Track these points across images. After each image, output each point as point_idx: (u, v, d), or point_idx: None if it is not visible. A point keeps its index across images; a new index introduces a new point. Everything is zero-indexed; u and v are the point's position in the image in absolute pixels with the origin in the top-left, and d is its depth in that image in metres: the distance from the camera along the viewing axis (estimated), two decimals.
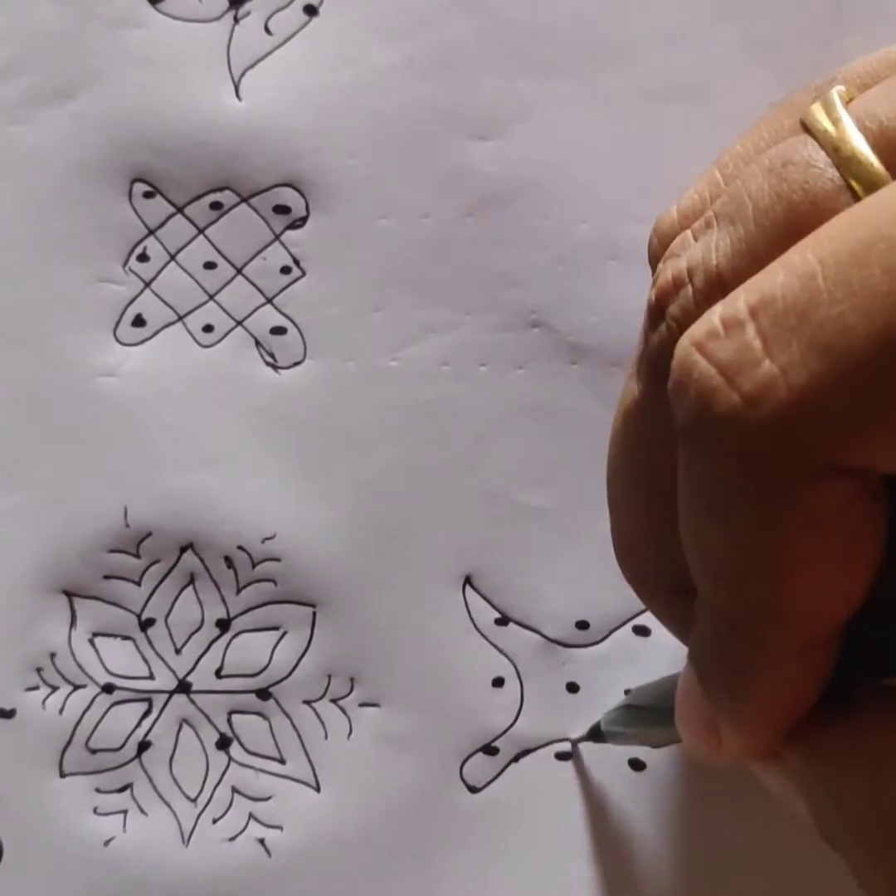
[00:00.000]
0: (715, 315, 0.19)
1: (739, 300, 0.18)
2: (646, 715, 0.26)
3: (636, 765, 0.30)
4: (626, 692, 0.29)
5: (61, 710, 0.30)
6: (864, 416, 0.17)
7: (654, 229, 0.23)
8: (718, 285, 0.20)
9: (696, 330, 0.19)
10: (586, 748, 0.30)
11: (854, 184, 0.19)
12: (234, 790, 0.30)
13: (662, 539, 0.22)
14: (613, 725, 0.28)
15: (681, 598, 0.23)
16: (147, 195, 0.31)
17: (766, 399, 0.18)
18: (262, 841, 0.30)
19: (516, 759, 0.30)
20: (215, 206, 0.31)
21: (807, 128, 0.20)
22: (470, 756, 0.30)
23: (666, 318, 0.21)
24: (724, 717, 0.21)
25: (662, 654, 0.30)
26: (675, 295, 0.21)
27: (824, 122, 0.20)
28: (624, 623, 0.30)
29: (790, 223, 0.19)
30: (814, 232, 0.18)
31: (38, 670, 0.30)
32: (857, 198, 0.19)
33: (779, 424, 0.18)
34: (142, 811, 0.30)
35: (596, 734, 0.29)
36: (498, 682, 0.30)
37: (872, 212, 0.18)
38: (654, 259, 0.23)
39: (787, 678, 0.20)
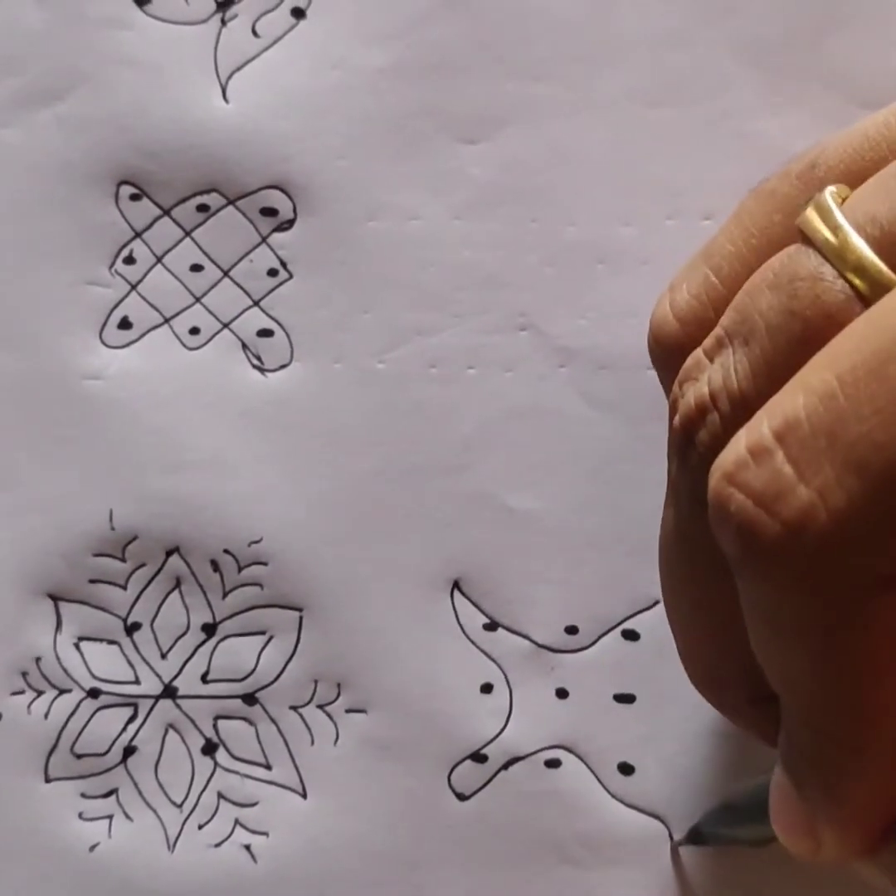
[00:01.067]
0: (740, 444, 0.19)
1: (763, 426, 0.18)
2: (744, 814, 0.26)
3: (626, 769, 0.30)
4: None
5: (47, 715, 0.30)
6: None
7: (653, 335, 0.23)
8: (743, 407, 0.20)
9: (725, 460, 0.19)
10: (573, 762, 0.30)
11: (863, 290, 0.19)
12: (220, 796, 0.30)
13: (732, 655, 0.22)
14: (713, 826, 0.28)
15: (762, 706, 0.23)
16: (134, 197, 0.31)
17: (808, 526, 0.18)
18: (247, 847, 0.30)
19: (506, 766, 0.30)
20: (202, 208, 0.31)
21: (805, 236, 0.20)
22: (458, 763, 0.30)
23: (696, 446, 0.21)
24: (822, 819, 0.21)
25: (652, 659, 0.30)
26: (702, 422, 0.21)
27: (824, 232, 0.20)
28: (613, 627, 0.30)
29: (806, 338, 0.19)
30: (826, 348, 0.18)
31: (24, 674, 0.30)
32: (866, 303, 0.19)
33: (825, 547, 0.18)
34: (127, 816, 0.30)
35: (696, 836, 0.29)
36: (486, 688, 0.30)
37: (884, 321, 0.18)
38: (660, 364, 0.23)
39: (883, 779, 0.20)
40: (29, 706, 0.30)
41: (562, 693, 0.30)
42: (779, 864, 0.28)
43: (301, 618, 0.30)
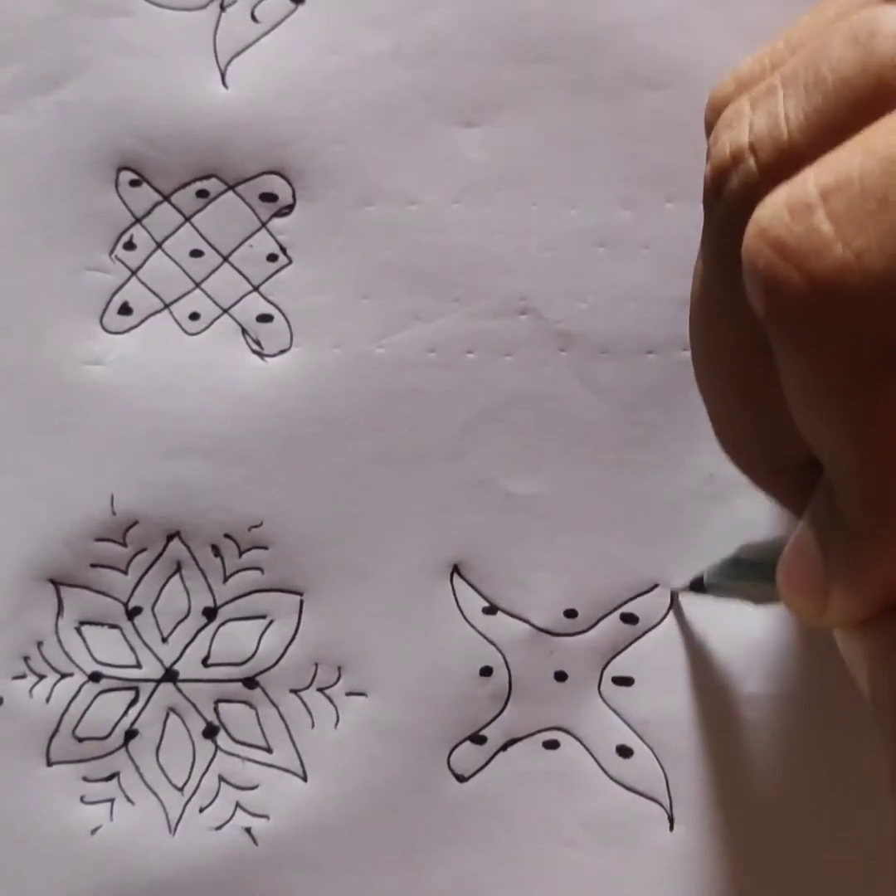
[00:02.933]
0: (780, 197, 0.18)
1: (809, 182, 0.17)
2: (752, 570, 0.26)
3: (624, 752, 0.30)
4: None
5: (48, 699, 0.30)
6: None
7: (709, 101, 0.22)
8: (792, 159, 0.19)
9: (761, 216, 0.18)
10: (572, 744, 0.30)
11: None
12: (221, 779, 0.30)
13: (760, 420, 0.21)
14: (718, 578, 0.28)
15: (789, 476, 0.22)
16: (133, 183, 0.31)
17: (840, 286, 0.17)
18: (248, 830, 0.30)
19: (504, 747, 0.30)
20: (202, 193, 0.31)
21: None
22: (457, 745, 0.30)
23: (724, 197, 0.20)
24: (840, 585, 0.20)
25: (650, 643, 0.30)
26: (735, 170, 0.19)
27: None
28: (611, 611, 0.30)
29: (877, 98, 0.18)
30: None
31: (25, 659, 0.30)
32: None
33: (855, 310, 0.17)
34: (129, 800, 0.30)
35: (698, 585, 0.28)
36: (486, 671, 0.30)
37: None
38: (710, 129, 0.22)
39: None
40: (31, 690, 0.30)
41: (560, 676, 0.30)
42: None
43: (301, 602, 0.30)
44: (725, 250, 0.19)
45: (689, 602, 0.30)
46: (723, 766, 0.30)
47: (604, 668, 0.30)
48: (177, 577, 0.30)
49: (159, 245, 0.31)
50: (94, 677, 0.30)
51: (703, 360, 0.23)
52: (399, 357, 0.31)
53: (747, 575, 0.26)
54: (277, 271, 0.31)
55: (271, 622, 0.30)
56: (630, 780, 0.30)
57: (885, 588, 0.20)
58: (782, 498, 0.23)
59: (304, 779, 0.30)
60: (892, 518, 0.19)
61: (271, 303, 0.31)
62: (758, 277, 0.18)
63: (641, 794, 0.30)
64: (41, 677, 0.30)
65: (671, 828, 0.29)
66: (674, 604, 0.30)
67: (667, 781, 0.30)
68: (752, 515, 0.30)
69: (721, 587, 0.28)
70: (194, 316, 0.31)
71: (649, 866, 0.29)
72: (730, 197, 0.20)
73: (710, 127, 0.22)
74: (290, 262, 0.31)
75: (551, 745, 0.30)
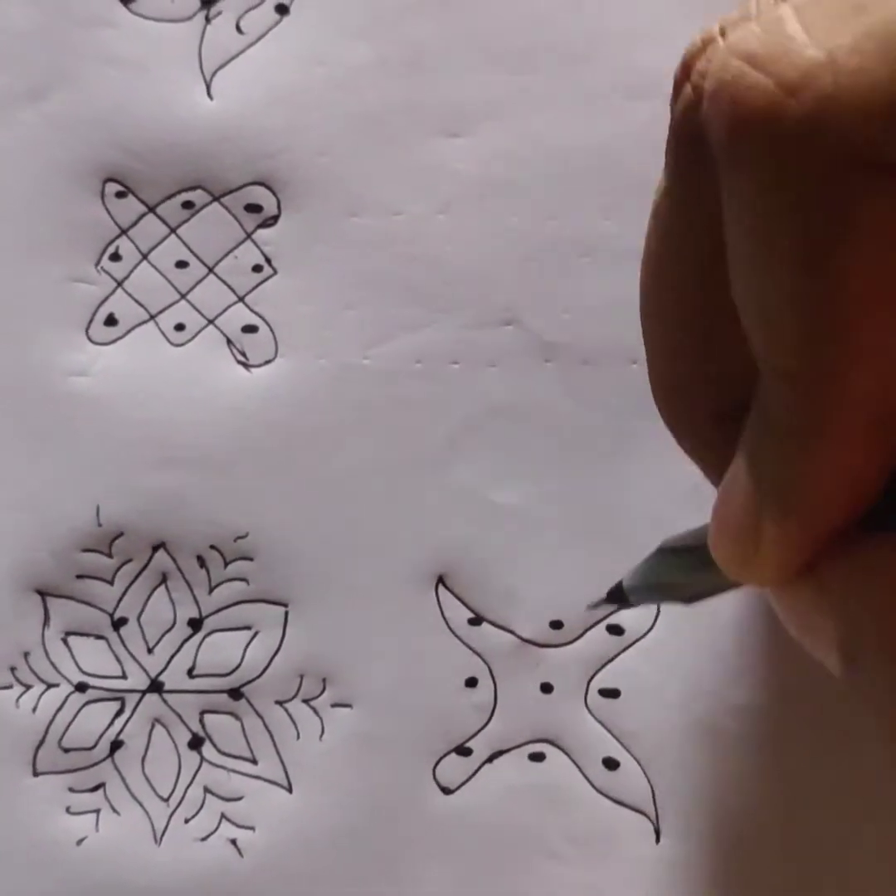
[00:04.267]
0: (750, 21, 0.17)
1: (783, 5, 0.17)
2: (681, 559, 0.24)
3: (611, 764, 0.29)
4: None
5: (34, 709, 0.30)
6: None
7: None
8: None
9: (733, 37, 0.17)
10: (558, 756, 0.30)
11: None
12: (207, 790, 0.30)
13: (707, 358, 0.20)
14: (641, 578, 0.25)
15: (724, 425, 0.21)
16: (119, 195, 0.31)
17: (810, 86, 0.16)
18: (234, 841, 0.30)
19: (490, 759, 0.30)
20: (187, 205, 0.31)
21: None
22: (443, 757, 0.30)
23: (692, 76, 0.19)
24: (771, 508, 0.19)
25: (637, 655, 0.30)
26: (703, 53, 0.18)
27: None
28: (598, 622, 0.30)
29: None
30: None
31: (12, 669, 0.30)
32: None
33: (824, 115, 0.16)
34: (114, 810, 0.30)
35: (617, 595, 0.26)
36: (471, 683, 0.30)
37: None
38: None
39: (848, 457, 0.18)
40: (17, 700, 0.30)
41: (546, 687, 0.30)
42: None
43: (287, 613, 0.30)
44: (688, 137, 0.18)
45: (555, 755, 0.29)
46: (709, 778, 0.29)
47: (590, 680, 0.30)
48: (162, 587, 0.30)
49: (145, 256, 0.31)
50: (81, 688, 0.30)
51: (650, 281, 0.22)
52: (384, 368, 0.31)
53: (676, 567, 0.24)
54: (263, 282, 0.31)
55: (256, 633, 0.30)
56: (616, 793, 0.30)
57: (821, 505, 0.18)
58: (713, 451, 0.22)
59: (290, 790, 0.30)
60: (828, 407, 0.17)
61: (256, 313, 0.31)
62: (724, 92, 0.17)
63: (628, 807, 0.29)
64: (28, 687, 0.30)
65: (657, 840, 0.29)
66: (591, 605, 0.28)
67: (653, 794, 0.29)
68: None
69: (644, 590, 0.26)
70: (179, 327, 0.31)
71: (635, 879, 0.29)
72: (696, 75, 0.19)
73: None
74: (276, 272, 0.31)
75: (537, 757, 0.30)
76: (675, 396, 0.23)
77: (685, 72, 0.19)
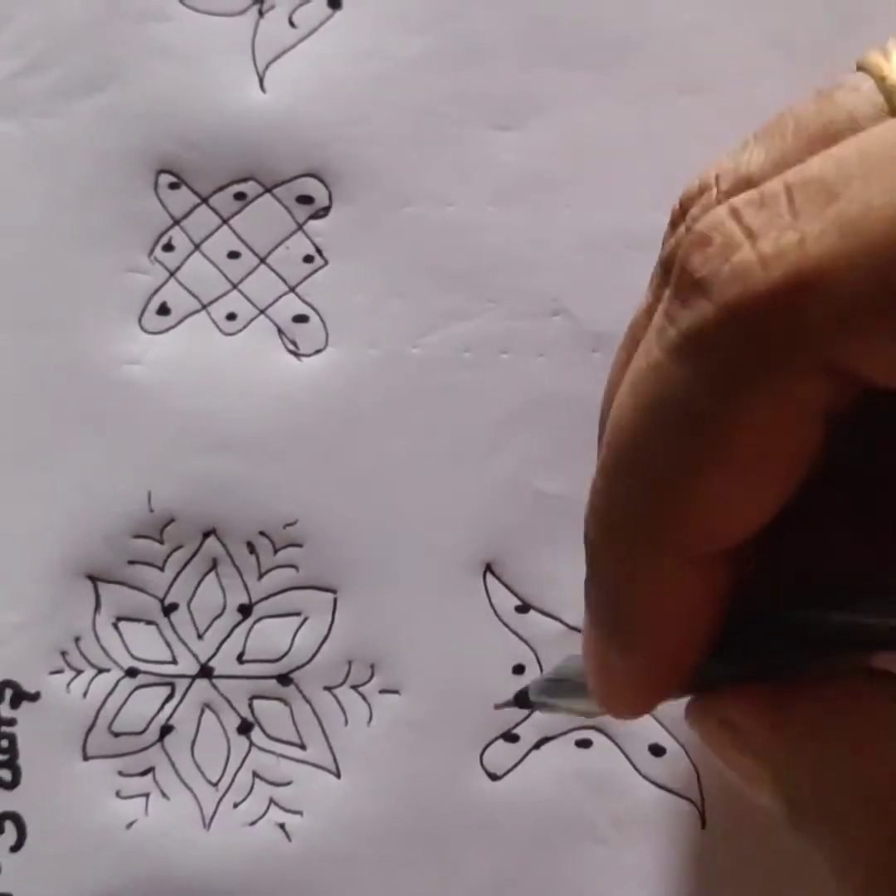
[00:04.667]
0: (741, 196, 0.19)
1: (778, 180, 0.19)
2: (569, 686, 0.26)
3: (656, 751, 0.30)
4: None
5: (85, 694, 0.30)
6: (870, 304, 0.17)
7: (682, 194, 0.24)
8: (745, 187, 0.20)
9: (736, 200, 0.19)
10: (604, 743, 0.30)
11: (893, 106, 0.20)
12: (255, 775, 0.30)
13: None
14: (542, 696, 0.27)
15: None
16: (172, 186, 0.32)
17: (779, 262, 0.18)
18: (282, 826, 0.30)
19: (537, 746, 0.30)
20: (239, 196, 0.32)
21: (860, 66, 0.21)
22: (490, 743, 0.30)
23: (686, 219, 0.21)
24: (614, 644, 0.21)
25: None
26: (698, 199, 0.21)
27: (876, 56, 0.21)
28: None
29: (827, 138, 0.20)
30: (857, 135, 0.19)
31: (63, 654, 0.30)
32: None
33: (784, 291, 0.18)
34: (164, 795, 0.30)
35: (522, 700, 0.28)
36: (518, 670, 0.30)
37: None
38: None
39: (678, 594, 0.19)
40: (68, 685, 0.30)
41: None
42: None
43: (335, 599, 0.31)
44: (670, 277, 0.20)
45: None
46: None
47: None
48: (213, 574, 0.31)
49: (197, 247, 0.32)
50: (131, 673, 0.31)
51: (613, 379, 0.24)
52: (433, 357, 0.31)
53: (567, 691, 0.26)
54: (313, 272, 0.32)
55: (306, 619, 0.31)
56: (662, 779, 0.30)
57: (666, 641, 0.20)
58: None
59: (338, 775, 0.30)
60: (655, 543, 0.19)
61: (307, 303, 0.31)
62: (715, 239, 0.19)
63: (673, 792, 0.30)
64: (78, 672, 0.30)
65: (703, 825, 0.29)
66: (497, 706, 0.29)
67: (699, 779, 0.30)
68: None
69: (545, 705, 0.27)
70: (231, 316, 0.32)
71: (681, 864, 0.29)
72: (690, 221, 0.21)
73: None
74: (326, 263, 0.32)
75: (584, 743, 0.30)
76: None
77: (681, 212, 0.22)
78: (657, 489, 0.19)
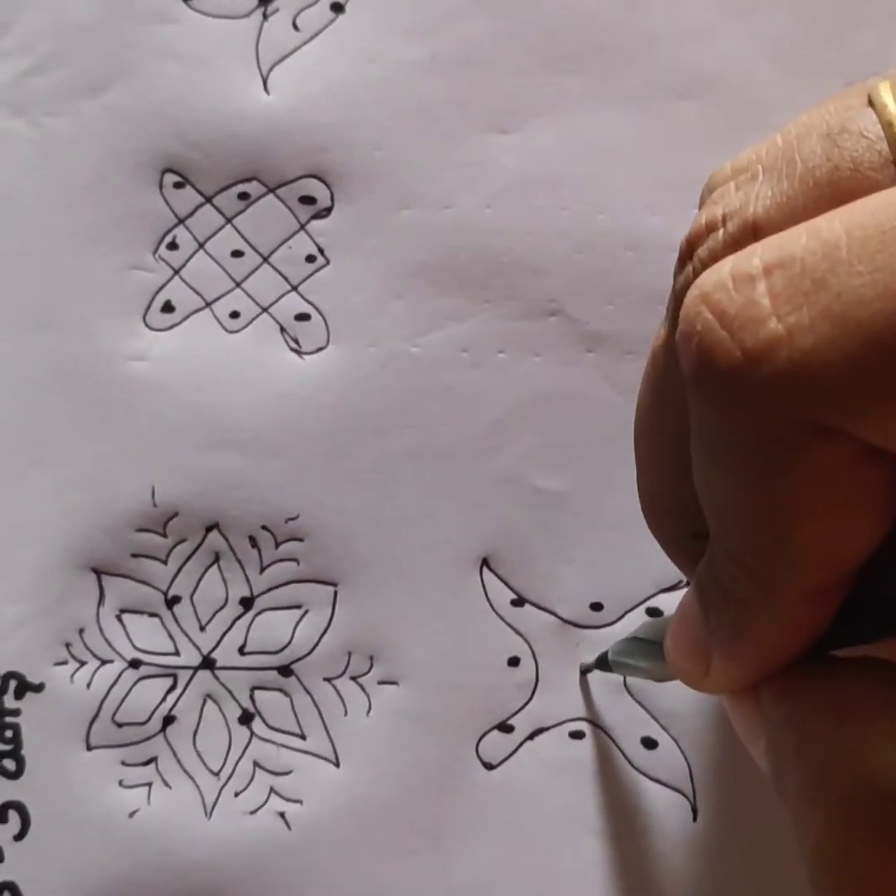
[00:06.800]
0: (726, 267, 0.19)
1: (755, 256, 0.18)
2: (651, 648, 0.27)
3: (649, 744, 0.30)
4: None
5: (89, 685, 0.31)
6: (866, 394, 0.17)
7: (706, 184, 0.23)
8: (752, 233, 0.20)
9: (706, 281, 0.19)
10: (597, 735, 0.30)
11: None
12: (256, 764, 0.31)
13: (685, 484, 0.22)
14: (620, 656, 0.28)
15: (701, 543, 0.23)
16: (177, 185, 0.32)
17: (769, 359, 0.18)
18: (282, 814, 0.30)
19: (531, 736, 0.31)
20: (243, 196, 0.32)
21: (871, 101, 0.20)
22: (486, 733, 0.30)
23: (693, 259, 0.21)
24: (719, 649, 0.22)
25: None
26: (706, 238, 0.20)
27: (885, 97, 0.20)
28: (637, 605, 0.31)
29: (832, 186, 0.19)
30: (849, 204, 0.18)
31: (67, 645, 0.31)
32: None
33: (778, 384, 0.18)
34: (166, 784, 0.31)
35: (603, 663, 0.29)
36: (514, 662, 0.31)
37: None
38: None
39: (788, 621, 0.20)
40: (72, 676, 0.31)
41: (586, 667, 0.31)
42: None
43: (335, 593, 0.31)
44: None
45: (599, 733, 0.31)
46: (745, 757, 0.30)
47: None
48: (215, 567, 0.31)
49: (201, 245, 0.32)
50: (134, 664, 0.31)
51: (641, 414, 0.24)
52: (432, 356, 0.32)
53: (646, 653, 0.27)
54: (315, 272, 0.32)
55: (306, 612, 0.31)
56: (654, 771, 0.30)
57: (763, 654, 0.21)
58: (689, 565, 0.24)
59: (337, 765, 0.31)
60: (770, 586, 0.20)
61: (309, 302, 0.32)
62: (692, 339, 0.19)
63: (666, 785, 0.30)
64: (82, 664, 0.31)
65: (694, 818, 0.30)
66: (582, 680, 0.31)
67: (690, 772, 0.30)
68: None
69: (623, 665, 0.28)
70: (234, 314, 0.32)
71: (673, 855, 0.30)
72: (697, 262, 0.21)
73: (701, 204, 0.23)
74: (328, 263, 0.32)
75: (577, 735, 0.30)
76: (656, 511, 0.25)
77: (690, 250, 0.21)
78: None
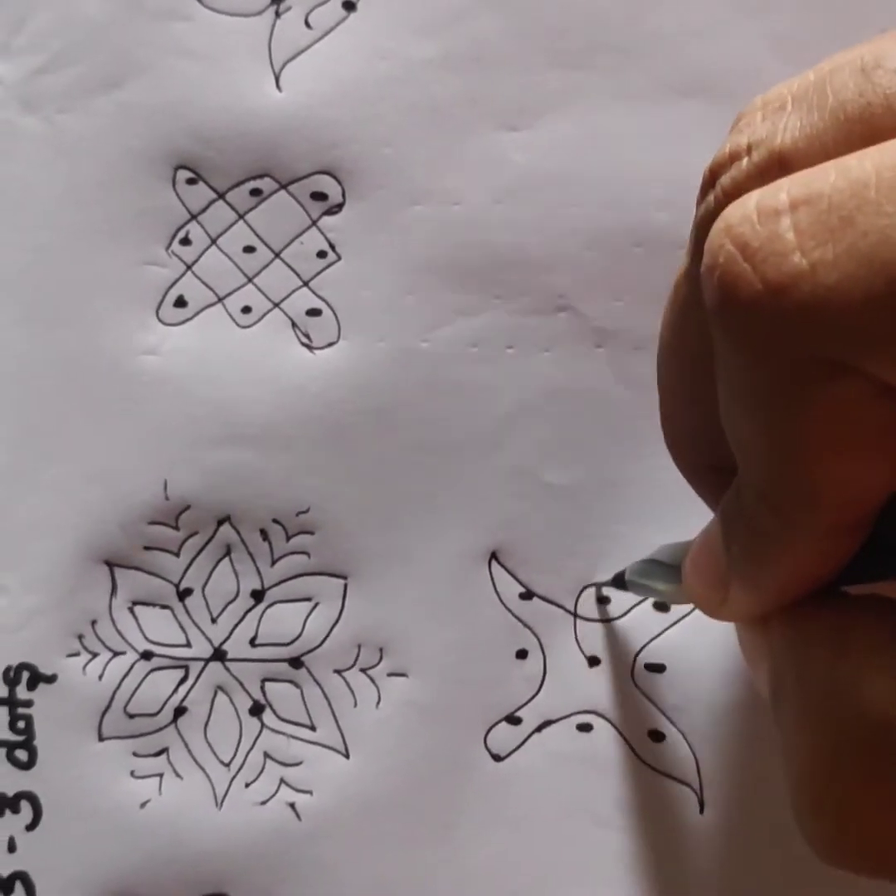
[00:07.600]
0: (752, 200, 0.18)
1: (782, 191, 0.18)
2: (668, 571, 0.27)
3: (656, 736, 0.30)
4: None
5: (101, 676, 0.31)
6: (886, 333, 0.17)
7: (737, 117, 0.23)
8: (778, 164, 0.19)
9: (731, 214, 0.19)
10: (604, 727, 0.31)
11: None
12: (267, 755, 0.31)
13: (706, 416, 0.22)
14: (637, 576, 0.29)
15: (722, 475, 0.23)
16: (190, 181, 0.32)
17: (789, 293, 0.17)
18: (292, 805, 0.31)
19: (539, 729, 0.31)
20: (255, 192, 0.32)
21: None
22: (494, 725, 0.31)
23: (716, 188, 0.20)
24: (739, 579, 0.22)
25: (682, 630, 0.31)
26: (729, 167, 0.20)
27: None
28: (643, 600, 0.31)
29: (863, 122, 0.19)
30: (880, 144, 0.18)
31: (80, 637, 0.31)
32: None
33: (799, 319, 0.17)
34: (177, 775, 0.31)
35: (619, 581, 0.30)
36: (522, 655, 0.31)
37: None
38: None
39: (809, 556, 0.20)
40: (84, 667, 0.31)
41: (594, 660, 0.31)
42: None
43: (346, 585, 0.31)
44: (702, 241, 0.20)
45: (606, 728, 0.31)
46: (752, 750, 0.30)
47: (637, 655, 0.31)
48: (227, 560, 0.31)
49: (214, 241, 0.32)
50: (146, 656, 0.31)
51: (664, 348, 0.24)
52: (442, 351, 0.32)
53: (663, 576, 0.27)
54: (327, 267, 0.32)
55: (316, 605, 0.31)
56: (662, 764, 0.30)
57: (781, 586, 0.21)
58: (714, 494, 0.24)
59: (347, 756, 0.31)
60: (792, 521, 0.20)
61: (320, 298, 0.32)
62: (715, 271, 0.18)
63: (672, 778, 0.30)
64: (95, 655, 0.31)
65: (701, 811, 0.30)
66: (599, 599, 0.31)
67: (697, 765, 0.30)
68: None
69: (639, 585, 0.29)
70: (246, 309, 0.32)
71: (680, 848, 0.30)
72: (719, 191, 0.20)
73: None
74: (339, 258, 0.32)
75: (585, 727, 0.31)
76: (680, 444, 0.25)
77: (712, 179, 0.21)
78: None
